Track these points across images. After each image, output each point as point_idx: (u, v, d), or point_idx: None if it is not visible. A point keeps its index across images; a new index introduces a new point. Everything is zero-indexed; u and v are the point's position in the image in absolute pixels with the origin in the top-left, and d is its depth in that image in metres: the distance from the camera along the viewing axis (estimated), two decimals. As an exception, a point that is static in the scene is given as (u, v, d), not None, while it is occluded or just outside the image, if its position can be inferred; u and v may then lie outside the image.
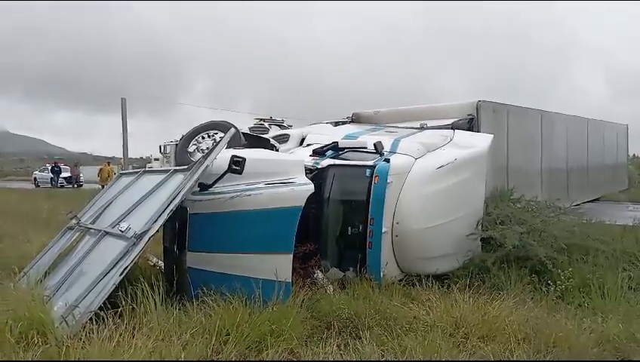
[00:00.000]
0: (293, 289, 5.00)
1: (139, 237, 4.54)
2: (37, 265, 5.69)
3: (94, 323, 3.91)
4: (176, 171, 5.53)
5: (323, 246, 6.02)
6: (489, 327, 4.36)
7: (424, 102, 9.82)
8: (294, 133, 8.76)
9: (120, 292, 4.36)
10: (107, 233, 5.16)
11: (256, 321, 4.18)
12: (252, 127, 11.07)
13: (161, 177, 5.59)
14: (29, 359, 3.49)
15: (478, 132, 8.00)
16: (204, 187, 5.14)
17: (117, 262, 4.44)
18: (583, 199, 12.91)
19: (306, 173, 5.76)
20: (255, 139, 7.43)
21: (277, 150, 7.46)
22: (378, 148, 6.47)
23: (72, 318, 3.99)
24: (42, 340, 3.73)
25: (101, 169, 29.09)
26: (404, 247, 6.07)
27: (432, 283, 5.65)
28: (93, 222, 5.76)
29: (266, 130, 10.94)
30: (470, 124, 8.15)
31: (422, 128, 7.91)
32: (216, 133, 6.72)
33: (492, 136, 7.25)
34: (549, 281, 5.66)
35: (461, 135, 7.28)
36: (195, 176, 4.93)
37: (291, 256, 5.11)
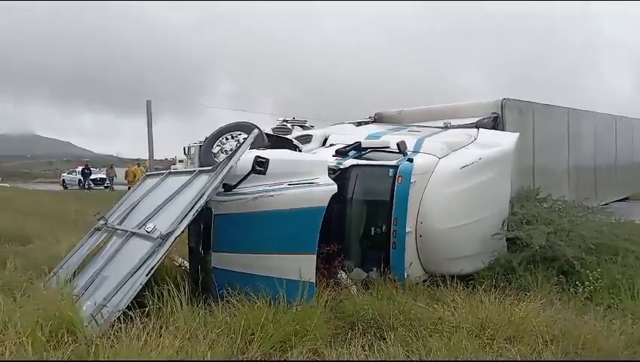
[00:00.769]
0: (316, 290, 5.01)
1: (165, 237, 4.60)
2: (66, 265, 5.81)
3: (122, 322, 3.98)
4: (200, 172, 5.59)
5: (346, 246, 6.02)
6: (516, 329, 4.30)
7: (447, 101, 9.74)
8: (317, 133, 8.77)
9: (147, 292, 4.43)
10: (134, 234, 5.25)
11: (281, 321, 4.20)
12: (275, 128, 11.12)
13: (185, 178, 5.66)
14: (60, 357, 3.56)
15: (503, 130, 7.90)
16: (228, 188, 5.18)
17: (144, 262, 4.50)
18: (611, 198, 12.64)
19: (329, 174, 5.77)
20: (278, 140, 7.47)
21: (300, 150, 7.48)
22: (401, 148, 6.43)
23: (100, 317, 4.07)
24: (72, 339, 3.80)
25: (127, 171, 29.64)
26: (429, 248, 6.03)
27: (457, 283, 5.59)
28: (120, 223, 5.86)
29: (289, 131, 10.98)
30: (495, 123, 8.07)
31: (445, 127, 7.85)
32: (240, 134, 6.77)
33: (517, 134, 7.15)
34: (577, 282, 5.56)
35: (486, 134, 7.20)
36: (220, 177, 4.97)
37: (315, 256, 5.12)
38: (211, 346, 3.75)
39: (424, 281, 5.89)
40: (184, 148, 25.90)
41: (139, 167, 28.62)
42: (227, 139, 6.86)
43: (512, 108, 8.47)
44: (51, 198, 20.60)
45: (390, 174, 6.07)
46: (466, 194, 6.18)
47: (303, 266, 4.92)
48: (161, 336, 3.79)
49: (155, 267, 4.41)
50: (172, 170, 7.02)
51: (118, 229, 5.73)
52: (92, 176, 36.59)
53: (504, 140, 6.93)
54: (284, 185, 5.24)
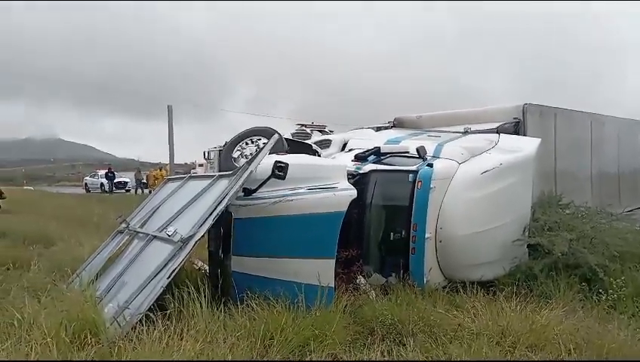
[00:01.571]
0: (335, 295, 5.01)
1: (185, 241, 4.64)
2: (89, 268, 5.90)
3: (144, 324, 4.03)
4: (221, 176, 5.63)
5: (365, 251, 6.01)
6: (537, 336, 4.25)
7: (465, 104, 9.68)
8: (336, 138, 8.78)
9: (168, 295, 4.48)
10: (155, 237, 5.31)
11: (300, 326, 4.21)
12: (294, 133, 11.15)
13: (206, 182, 5.71)
14: (84, 358, 3.62)
15: (524, 136, 7.82)
16: (248, 192, 5.22)
17: (165, 266, 4.55)
18: (636, 205, 12.38)
19: (348, 178, 5.77)
20: (297, 145, 7.48)
21: (319, 155, 7.49)
22: (421, 153, 6.41)
23: (122, 319, 4.12)
24: (95, 340, 3.86)
25: (147, 175, 30.01)
26: (448, 253, 5.99)
27: (477, 290, 5.54)
28: (141, 226, 5.93)
29: (308, 136, 10.99)
30: (516, 128, 7.98)
31: (466, 132, 7.79)
32: (260, 139, 6.81)
33: (539, 139, 7.07)
34: (601, 290, 5.47)
35: (507, 139, 7.14)
36: (240, 182, 5.01)
37: (334, 261, 5.13)
38: (231, 349, 3.78)
39: (444, 287, 5.84)
40: (204, 153, 26.04)
41: (160, 171, 28.93)
42: (247, 143, 6.90)
43: (533, 113, 8.38)
44: (74, 201, 20.94)
45: (410, 179, 6.05)
46: (487, 199, 6.13)
47: (321, 271, 4.93)
48: (182, 339, 3.83)
49: (176, 270, 4.46)
50: (193, 174, 7.08)
51: (139, 232, 5.80)
52: (115, 180, 36.97)
53: (525, 145, 6.86)
54: (304, 190, 5.25)
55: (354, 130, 9.67)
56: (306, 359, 3.95)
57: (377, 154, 6.84)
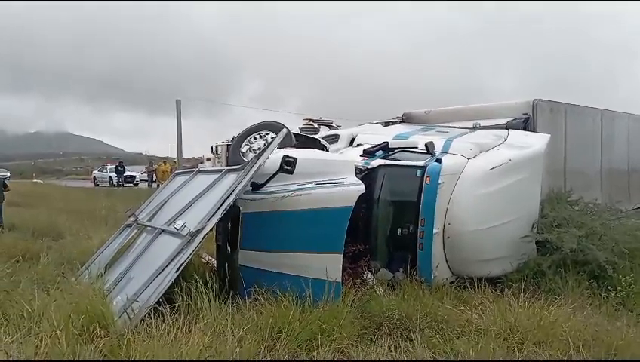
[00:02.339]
0: (343, 289, 5.01)
1: (193, 234, 4.66)
2: (97, 261, 5.95)
3: (152, 317, 4.05)
4: (229, 171, 5.65)
5: (373, 246, 6.00)
6: (545, 333, 4.24)
7: (476, 102, 9.60)
8: (344, 133, 8.75)
9: (176, 288, 4.50)
10: (163, 230, 5.33)
11: (308, 320, 4.22)
12: (302, 128, 11.14)
13: (214, 176, 5.73)
14: (92, 350, 3.64)
15: (533, 132, 7.75)
16: (256, 186, 5.23)
17: (173, 259, 4.58)
18: (645, 202, 12.29)
19: (357, 173, 5.76)
20: (305, 140, 7.47)
21: (327, 150, 7.48)
22: (429, 149, 6.38)
23: (131, 312, 4.15)
24: (104, 333, 3.89)
25: (156, 169, 30.12)
26: (456, 249, 5.98)
27: (485, 286, 5.53)
28: (149, 220, 5.96)
29: (316, 131, 10.98)
30: (525, 124, 7.91)
31: (475, 128, 7.73)
32: (268, 134, 6.80)
33: (549, 136, 7.02)
34: (609, 287, 5.45)
35: (516, 135, 7.09)
36: (248, 176, 5.02)
37: (341, 255, 5.12)
38: (239, 343, 3.79)
39: (451, 283, 5.83)
40: (212, 147, 26.19)
41: (165, 165, 29.03)
42: (255, 138, 6.90)
43: (543, 109, 8.30)
44: (83, 195, 21.07)
45: (418, 175, 6.03)
46: (496, 195, 6.10)
47: (329, 265, 4.93)
48: (190, 332, 3.85)
49: (184, 264, 4.49)
50: (201, 169, 7.10)
51: (147, 226, 5.84)
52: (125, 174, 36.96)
53: (535, 141, 6.81)
54: (312, 185, 5.25)
55: (362, 125, 9.65)
56: (314, 353, 3.95)
57: (386, 149, 6.81)
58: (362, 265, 5.73)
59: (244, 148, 6.82)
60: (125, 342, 3.67)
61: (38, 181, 39.49)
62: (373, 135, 8.03)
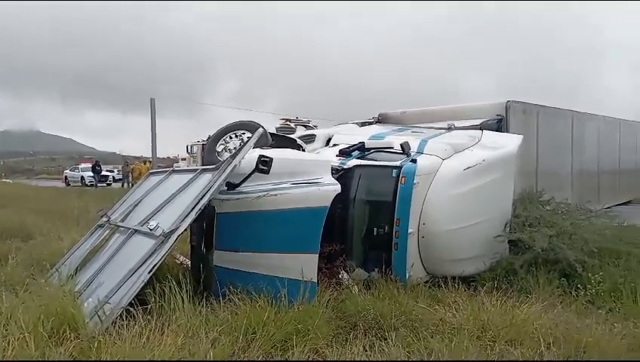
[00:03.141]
0: (318, 289, 5.01)
1: (167, 235, 4.61)
2: (68, 262, 5.84)
3: (124, 319, 3.98)
4: (204, 170, 5.60)
5: (349, 246, 6.01)
6: (517, 331, 4.30)
7: (451, 103, 9.74)
8: (320, 133, 8.77)
9: (149, 290, 4.44)
10: (136, 231, 5.26)
11: (283, 320, 4.21)
12: (278, 127, 11.13)
13: (189, 176, 5.67)
14: (62, 353, 3.57)
15: (507, 132, 7.89)
16: (231, 186, 5.19)
17: (146, 260, 4.52)
18: (614, 202, 12.63)
19: (333, 173, 5.76)
20: (282, 139, 7.46)
21: (303, 150, 7.48)
22: (405, 149, 6.43)
23: (102, 314, 4.08)
24: (74, 335, 3.81)
25: (132, 168, 29.70)
26: (431, 249, 6.03)
27: (459, 285, 5.59)
28: (122, 220, 5.87)
29: (292, 130, 10.98)
30: (499, 125, 8.06)
31: (449, 129, 7.83)
32: (244, 133, 6.76)
33: (521, 136, 7.14)
34: (579, 285, 5.55)
35: (489, 136, 7.19)
36: (223, 176, 4.98)
37: (317, 255, 5.12)
38: (213, 344, 3.76)
39: (426, 282, 5.88)
40: (187, 147, 25.98)
41: (145, 164, 28.64)
42: (231, 137, 6.85)
43: (516, 111, 8.47)
44: (54, 195, 20.62)
45: (393, 175, 6.07)
46: (469, 195, 6.17)
47: (305, 266, 4.92)
48: (163, 334, 3.80)
49: (158, 265, 4.43)
50: (175, 168, 7.03)
51: (120, 226, 5.75)
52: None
53: (508, 142, 6.92)
54: (288, 185, 5.24)
55: (338, 125, 9.68)
56: (289, 353, 3.94)
57: (362, 149, 6.84)
58: (338, 264, 5.73)
59: (219, 148, 6.76)
60: (96, 345, 3.61)
61: (7, 180, 38.54)
62: (350, 135, 8.07)
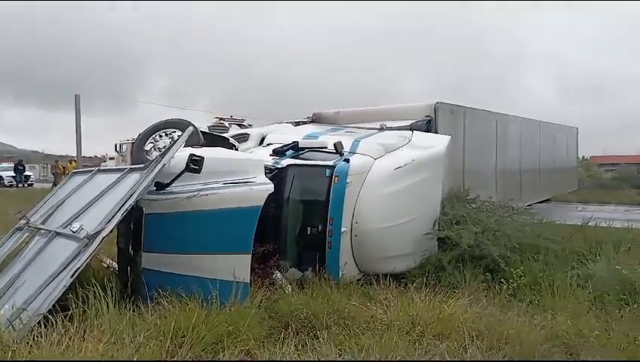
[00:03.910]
0: (251, 290, 4.97)
1: (91, 237, 4.40)
2: (-18, 268, 5.44)
3: (43, 326, 3.77)
4: (132, 170, 5.40)
5: (282, 246, 6.01)
6: (444, 325, 4.44)
7: (385, 104, 9.92)
8: (254, 132, 8.68)
9: (71, 295, 4.23)
10: (58, 234, 4.99)
11: (213, 322, 4.13)
12: (211, 126, 10.90)
13: (115, 176, 5.45)
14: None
15: (436, 133, 8.13)
16: (160, 186, 5.04)
17: (68, 264, 4.29)
18: (535, 199, 13.33)
19: (266, 173, 5.73)
20: (214, 138, 7.31)
21: (236, 149, 7.38)
22: (338, 149, 6.50)
23: (19, 322, 3.84)
24: (-13, 345, 3.56)
25: (64, 167, 28.25)
26: (363, 247, 6.12)
27: (390, 282, 5.72)
28: (43, 223, 5.56)
29: (226, 129, 10.80)
30: (428, 126, 8.28)
31: (381, 129, 7.98)
32: (174, 132, 6.57)
33: (449, 137, 7.39)
34: (502, 279, 5.81)
35: (419, 136, 7.39)
36: (152, 175, 4.82)
37: (250, 256, 5.07)
38: (138, 349, 3.63)
39: (358, 280, 5.97)
40: (115, 145, 25.00)
41: (71, 163, 27.29)
42: (161, 136, 6.64)
43: (444, 112, 8.75)
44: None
45: (327, 174, 6.12)
46: (400, 194, 6.32)
47: (237, 266, 4.86)
48: (84, 340, 3.63)
49: (81, 268, 4.22)
50: (101, 168, 6.72)
51: (41, 229, 5.43)
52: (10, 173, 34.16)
53: (437, 142, 7.14)
54: (220, 185, 5.15)
55: (273, 125, 9.62)
56: (219, 355, 3.88)
57: (295, 148, 6.85)
58: (271, 264, 5.71)
59: (148, 147, 6.54)
60: (10, 354, 3.39)
61: None
62: (284, 134, 8.05)
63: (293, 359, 3.91)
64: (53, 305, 4.00)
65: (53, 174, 31.64)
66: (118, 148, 24.03)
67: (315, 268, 5.85)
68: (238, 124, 14.20)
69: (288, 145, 6.96)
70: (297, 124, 9.57)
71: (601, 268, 6.07)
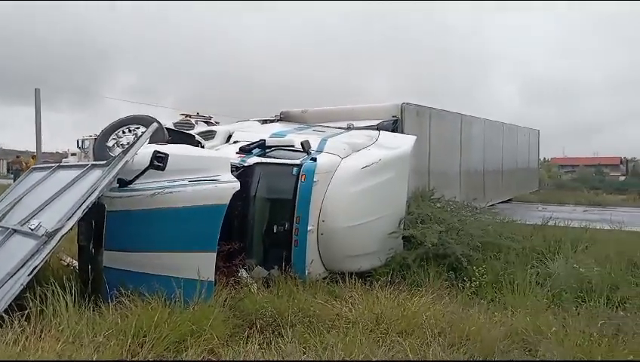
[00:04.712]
0: (215, 289, 4.93)
1: (50, 235, 4.29)
2: None
3: (-1, 326, 3.65)
4: (93, 166, 5.28)
5: (248, 244, 5.97)
6: (408, 323, 4.50)
7: (352, 103, 9.98)
8: (221, 129, 8.61)
9: (28, 294, 4.11)
10: (15, 231, 4.84)
11: (177, 321, 4.08)
12: (177, 123, 10.77)
13: (77, 172, 5.32)
14: None
15: (402, 133, 8.23)
16: (123, 183, 4.94)
17: (26, 262, 4.17)
18: (497, 199, 13.64)
19: (232, 171, 5.69)
20: (180, 135, 7.22)
21: (202, 147, 7.30)
22: (305, 147, 6.50)
23: (-28, 323, 3.71)
24: (-63, 347, 3.43)
25: (26, 163, 27.38)
26: (329, 245, 6.15)
27: (356, 280, 5.76)
28: (0, 220, 5.38)
29: (192, 126, 10.69)
30: (395, 126, 8.38)
31: (349, 128, 8.03)
32: (138, 128, 6.46)
33: (415, 137, 7.50)
34: (465, 278, 5.93)
35: (386, 136, 7.47)
36: (114, 172, 4.73)
37: (215, 254, 5.03)
38: (98, 349, 3.55)
39: (324, 278, 5.99)
40: (77, 141, 24.40)
41: (34, 159, 26.48)
42: (124, 132, 6.52)
43: (410, 112, 8.87)
44: None
45: (294, 173, 6.12)
46: (366, 193, 6.38)
47: (202, 265, 4.81)
48: (41, 340, 3.53)
49: (39, 267, 4.12)
50: (62, 164, 6.55)
51: (-3, 226, 5.26)
52: None
53: (403, 142, 7.23)
54: (185, 182, 5.09)
55: (239, 122, 9.56)
56: (182, 354, 3.83)
57: (262, 147, 6.82)
58: (237, 263, 5.67)
59: (110, 143, 6.41)
60: (-39, 357, 3.27)
61: None
62: (251, 132, 8.01)
63: (257, 358, 3.90)
64: (10, 304, 3.88)
65: (14, 171, 30.60)
66: (80, 145, 23.50)
67: (281, 267, 5.85)
68: (205, 122, 14.09)
69: (255, 143, 6.93)
70: (265, 122, 9.53)
71: (560, 266, 6.24)
